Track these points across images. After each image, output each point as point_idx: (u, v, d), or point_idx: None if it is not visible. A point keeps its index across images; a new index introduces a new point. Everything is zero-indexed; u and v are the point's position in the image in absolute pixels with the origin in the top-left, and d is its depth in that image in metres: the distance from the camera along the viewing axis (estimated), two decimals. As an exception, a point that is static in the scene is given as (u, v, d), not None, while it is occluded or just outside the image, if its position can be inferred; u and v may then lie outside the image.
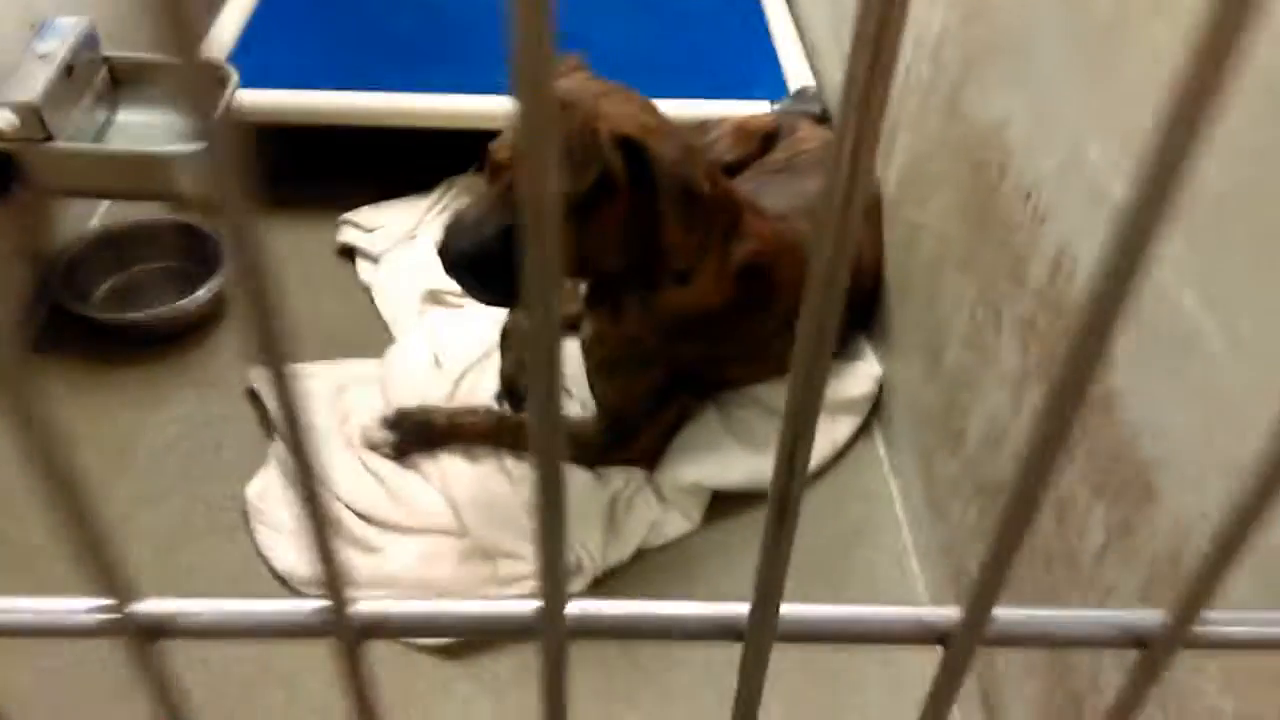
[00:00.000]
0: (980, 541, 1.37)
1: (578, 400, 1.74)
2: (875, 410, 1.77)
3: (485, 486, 1.58)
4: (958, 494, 1.44)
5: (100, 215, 2.10)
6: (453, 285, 1.89)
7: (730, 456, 1.65)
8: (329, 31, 2.31)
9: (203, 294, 1.83)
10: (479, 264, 1.36)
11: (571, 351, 1.77)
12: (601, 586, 1.52)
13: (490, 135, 2.01)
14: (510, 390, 1.73)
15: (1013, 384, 1.27)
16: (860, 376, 1.75)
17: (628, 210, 1.38)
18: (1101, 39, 1.09)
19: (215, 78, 1.82)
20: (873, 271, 1.75)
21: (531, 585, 1.45)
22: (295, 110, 2.05)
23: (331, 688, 1.33)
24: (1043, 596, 1.21)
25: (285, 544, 1.52)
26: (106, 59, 1.88)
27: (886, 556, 1.60)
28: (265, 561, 1.52)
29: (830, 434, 1.72)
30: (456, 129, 2.07)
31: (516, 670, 1.42)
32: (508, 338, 1.78)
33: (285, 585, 1.49)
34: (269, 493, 1.59)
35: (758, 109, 2.03)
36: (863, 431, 1.76)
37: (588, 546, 1.50)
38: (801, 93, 2.08)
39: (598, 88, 1.39)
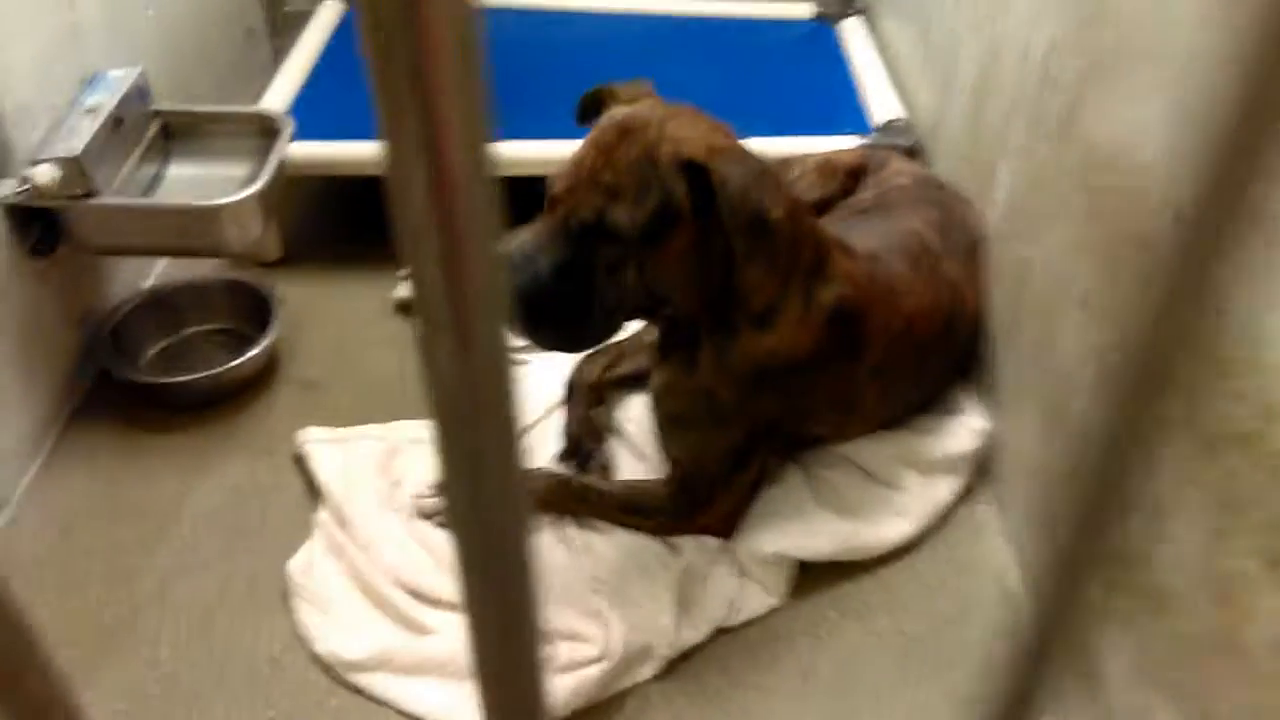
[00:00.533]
0: (1109, 621, 1.17)
1: (647, 461, 1.58)
2: (984, 469, 1.58)
3: (546, 559, 1.43)
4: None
5: (154, 276, 2.03)
6: (513, 339, 1.78)
7: (817, 523, 1.47)
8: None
9: (253, 355, 1.73)
10: (533, 303, 1.22)
11: (642, 406, 1.63)
12: (674, 672, 1.35)
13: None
14: (575, 450, 1.58)
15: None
16: (963, 431, 1.57)
17: (695, 242, 1.23)
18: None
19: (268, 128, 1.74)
20: (975, 315, 1.58)
21: (596, 673, 1.28)
22: (352, 161, 1.96)
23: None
24: (1196, 694, 1.01)
25: (328, 624, 1.38)
26: (158, 112, 1.81)
27: (1000, 635, 1.40)
28: (307, 642, 1.38)
29: (930, 496, 1.53)
30: (518, 176, 1.96)
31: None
32: (573, 393, 1.63)
33: (326, 671, 1.35)
34: (313, 568, 1.46)
35: (843, 145, 1.88)
36: (969, 493, 1.57)
37: (657, 626, 1.33)
38: (890, 126, 1.93)
39: (665, 111, 1.26)
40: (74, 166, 1.53)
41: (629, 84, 1.36)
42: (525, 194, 2.01)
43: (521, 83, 2.18)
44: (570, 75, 1.41)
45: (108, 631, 1.40)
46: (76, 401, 1.74)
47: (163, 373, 1.78)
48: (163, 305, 1.86)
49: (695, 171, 1.21)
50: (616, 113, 1.27)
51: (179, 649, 1.39)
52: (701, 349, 1.37)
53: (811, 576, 1.46)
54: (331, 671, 1.34)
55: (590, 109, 1.38)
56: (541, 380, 1.69)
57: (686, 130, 1.24)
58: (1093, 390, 1.22)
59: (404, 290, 1.95)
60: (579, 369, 1.66)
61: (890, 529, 1.48)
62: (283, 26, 2.71)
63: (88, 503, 1.58)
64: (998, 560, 1.50)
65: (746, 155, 1.24)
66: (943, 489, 1.55)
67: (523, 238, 1.27)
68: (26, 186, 1.51)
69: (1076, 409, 1.27)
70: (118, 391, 1.74)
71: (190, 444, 1.69)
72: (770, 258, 1.24)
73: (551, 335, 1.27)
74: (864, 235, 1.51)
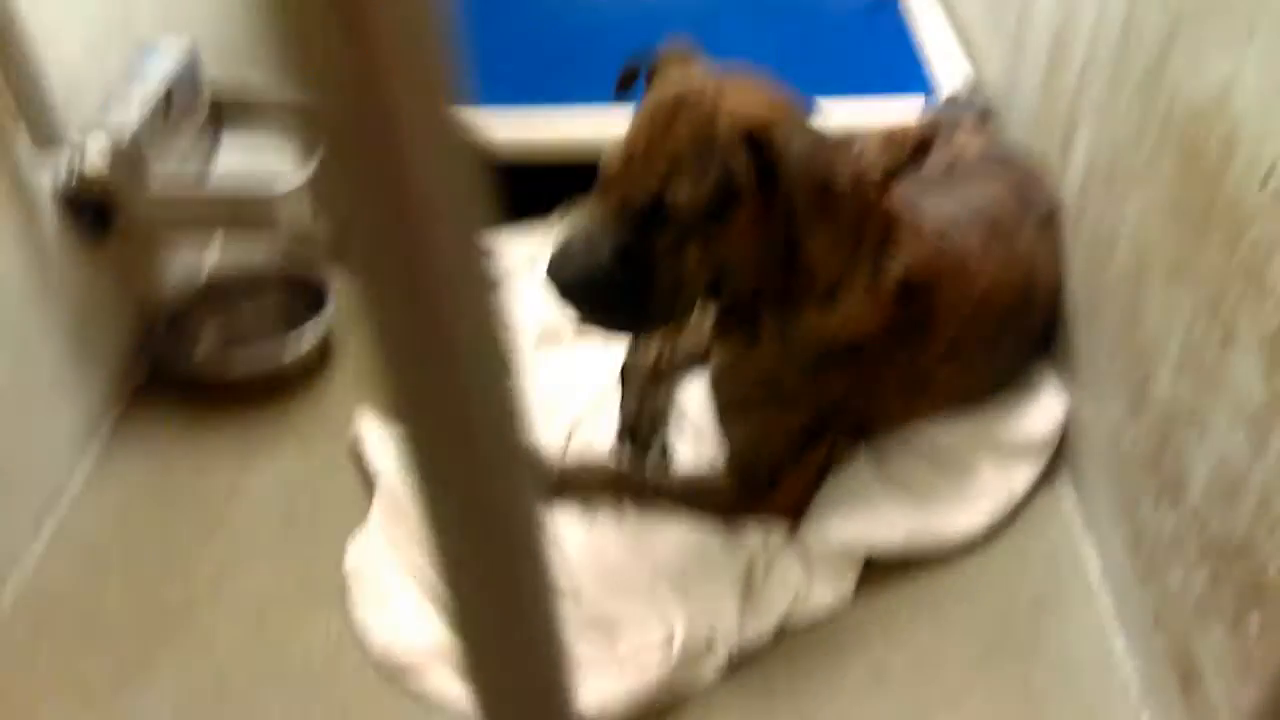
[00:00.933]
0: (1212, 615, 1.08)
1: (707, 447, 1.52)
2: (1061, 452, 1.50)
3: (602, 547, 1.38)
4: (1177, 555, 1.16)
5: (211, 263, 2.02)
6: (569, 320, 1.73)
7: (888, 511, 1.40)
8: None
9: (307, 339, 1.71)
10: (595, 289, 1.18)
11: (701, 388, 1.57)
12: (738, 671, 1.29)
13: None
14: (631, 435, 1.53)
15: (1253, 417, 1.00)
16: (1041, 413, 1.49)
17: (759, 217, 1.17)
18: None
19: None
20: (1052, 289, 1.49)
21: (656, 662, 1.23)
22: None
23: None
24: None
25: (383, 617, 1.35)
26: (210, 90, 1.79)
27: (1082, 629, 1.33)
28: (362, 636, 1.35)
29: (1006, 482, 1.45)
30: (574, 151, 1.92)
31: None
32: (628, 376, 1.58)
33: (381, 666, 1.31)
34: (368, 560, 1.42)
35: (909, 107, 1.80)
36: (1046, 479, 1.49)
37: (720, 621, 1.28)
38: (959, 91, 1.84)
39: (719, 80, 1.20)
40: (122, 149, 1.51)
41: (669, 44, 1.30)
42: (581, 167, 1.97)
43: (580, 52, 2.14)
44: (635, 45, 1.35)
45: (164, 621, 1.39)
46: (133, 389, 1.73)
47: (219, 361, 1.77)
48: (218, 294, 1.84)
49: (755, 142, 1.15)
50: (668, 85, 1.21)
51: (234, 640, 1.37)
52: (762, 328, 1.31)
53: (881, 567, 1.39)
54: (386, 666, 1.31)
55: (631, 78, 1.32)
56: (597, 364, 1.64)
57: (743, 100, 1.18)
58: (1177, 366, 1.14)
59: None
60: (634, 351, 1.60)
61: (964, 517, 1.41)
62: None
63: (143, 491, 1.57)
64: (1078, 550, 1.41)
65: (807, 122, 1.17)
66: (1020, 474, 1.47)
67: (579, 223, 1.22)
68: (75, 167, 1.49)
69: (1164, 388, 1.18)
70: (174, 379, 1.73)
71: (246, 433, 1.67)
72: (836, 230, 1.18)
73: (614, 322, 1.24)
74: (933, 207, 1.43)
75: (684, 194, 1.15)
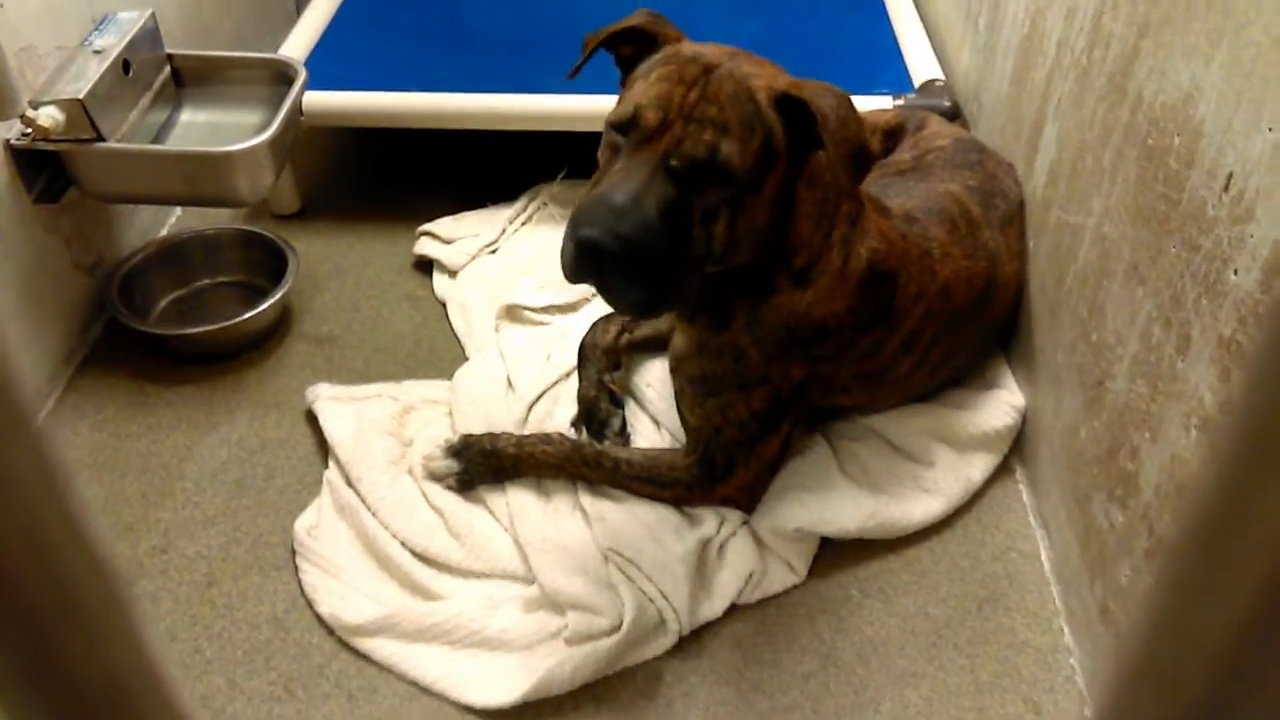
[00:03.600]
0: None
1: (665, 428, 1.52)
2: (1017, 447, 1.52)
3: (557, 525, 1.37)
4: (1126, 551, 1.18)
5: (169, 226, 1.98)
6: (532, 299, 1.72)
7: (842, 497, 1.41)
8: (410, 35, 2.17)
9: (264, 308, 1.68)
10: (640, 253, 1.08)
11: (662, 370, 1.57)
12: (688, 648, 1.29)
13: (577, 136, 1.84)
14: (589, 416, 1.52)
15: (1206, 420, 1.01)
16: (998, 407, 1.50)
17: (781, 186, 1.17)
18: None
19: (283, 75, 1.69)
20: (1014, 284, 1.50)
21: (606, 646, 1.23)
22: (371, 112, 1.91)
23: None
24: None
25: (331, 586, 1.34)
26: (169, 56, 1.76)
27: (1032, 622, 1.34)
28: (310, 604, 1.34)
29: (963, 473, 1.46)
30: (541, 131, 1.91)
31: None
32: (586, 355, 1.57)
33: (329, 634, 1.31)
34: (319, 528, 1.41)
35: (879, 105, 1.80)
36: (1002, 472, 1.50)
37: (672, 601, 1.28)
38: (928, 86, 1.84)
39: (718, 50, 1.19)
40: (77, 109, 1.48)
41: (640, 13, 1.26)
42: (545, 152, 1.96)
43: (549, 36, 2.11)
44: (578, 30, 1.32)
45: (109, 587, 1.37)
46: (85, 351, 1.70)
47: (173, 324, 1.74)
48: (175, 256, 1.81)
49: (790, 106, 1.14)
50: (683, 49, 1.19)
51: (180, 605, 1.35)
52: (733, 308, 1.30)
53: (834, 553, 1.40)
54: (335, 634, 1.30)
55: (593, 49, 1.28)
56: (557, 344, 1.63)
57: (759, 67, 1.17)
58: (1134, 367, 1.15)
59: (423, 247, 1.90)
60: (593, 331, 1.59)
61: (918, 507, 1.42)
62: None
63: (93, 454, 1.55)
64: (1030, 543, 1.43)
65: (830, 87, 1.15)
66: (975, 467, 1.48)
67: (616, 179, 1.12)
68: (30, 129, 1.46)
69: (1120, 387, 1.19)
70: (127, 342, 1.70)
71: (199, 397, 1.65)
72: (820, 207, 1.18)
73: (642, 292, 1.13)
74: (900, 196, 1.44)
75: (734, 152, 1.11)
